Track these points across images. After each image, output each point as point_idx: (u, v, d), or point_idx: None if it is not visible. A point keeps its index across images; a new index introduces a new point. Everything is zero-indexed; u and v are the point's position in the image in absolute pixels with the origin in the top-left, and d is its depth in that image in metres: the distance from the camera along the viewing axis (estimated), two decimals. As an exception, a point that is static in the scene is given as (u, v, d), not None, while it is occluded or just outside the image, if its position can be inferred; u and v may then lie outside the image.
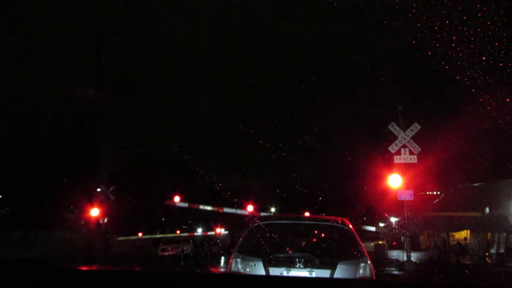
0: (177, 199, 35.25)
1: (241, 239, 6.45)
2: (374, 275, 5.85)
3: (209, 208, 35.61)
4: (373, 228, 31.71)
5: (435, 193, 45.05)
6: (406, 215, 21.07)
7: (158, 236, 37.44)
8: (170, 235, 34.42)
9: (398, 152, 20.26)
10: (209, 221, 63.92)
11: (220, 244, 43.74)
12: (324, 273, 5.58)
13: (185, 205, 33.27)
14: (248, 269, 5.73)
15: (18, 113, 41.10)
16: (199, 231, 62.88)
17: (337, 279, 5.24)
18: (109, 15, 61.50)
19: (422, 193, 38.13)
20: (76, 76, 67.88)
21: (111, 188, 31.98)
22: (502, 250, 31.12)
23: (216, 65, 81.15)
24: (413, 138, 20.20)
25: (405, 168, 20.27)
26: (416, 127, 20.31)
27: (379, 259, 28.42)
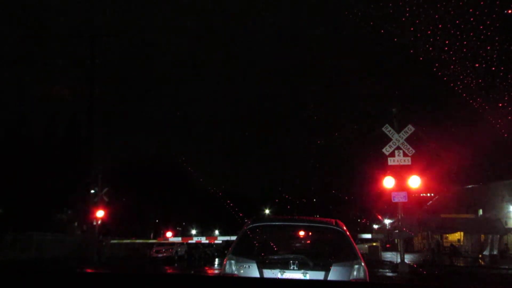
0: (169, 234, 36.53)
1: (235, 241, 6.45)
2: (368, 277, 5.87)
3: (203, 239, 36.31)
4: (369, 236, 31.84)
5: (428, 195, 45.28)
6: (400, 217, 21.16)
7: (151, 241, 37.26)
8: (163, 241, 34.21)
9: (392, 154, 20.35)
10: (205, 223, 63.79)
11: (215, 246, 43.59)
12: (318, 275, 5.59)
13: (178, 239, 33.72)
14: (242, 271, 5.73)
15: (13, 114, 40.88)
16: (193, 232, 62.75)
17: (331, 281, 5.25)
18: (106, 15, 61.35)
19: (416, 195, 38.31)
20: (71, 77, 67.62)
21: (105, 190, 31.87)
22: (495, 252, 31.27)
23: (215, 67, 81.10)
24: (407, 140, 20.30)
25: (399, 170, 20.36)
26: (410, 129, 20.40)
27: (373, 261, 28.47)
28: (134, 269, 24.11)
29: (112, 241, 36.07)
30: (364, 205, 35.51)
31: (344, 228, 6.32)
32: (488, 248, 32.39)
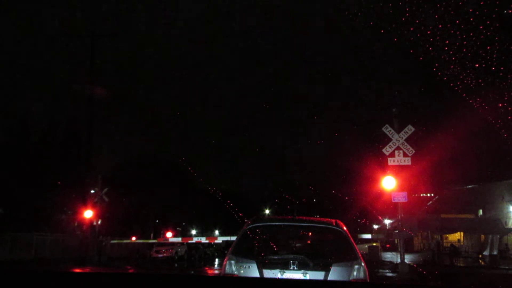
0: (169, 234, 36.62)
1: (235, 241, 6.44)
2: (368, 277, 5.87)
3: (203, 239, 36.38)
4: (369, 236, 31.86)
5: (428, 195, 45.31)
6: (400, 217, 21.15)
7: (151, 241, 37.27)
8: (163, 241, 34.22)
9: (392, 154, 20.35)
10: (205, 223, 63.76)
11: (215, 246, 43.62)
12: (318, 275, 5.59)
13: (178, 239, 33.81)
14: (242, 271, 5.73)
15: (12, 114, 40.87)
16: (193, 232, 62.73)
17: (331, 281, 5.25)
18: (107, 13, 61.40)
19: (416, 195, 38.34)
20: (70, 77, 67.65)
21: (105, 190, 31.83)
22: (495, 252, 31.28)
23: (215, 67, 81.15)
24: (407, 140, 20.30)
25: (399, 170, 20.36)
26: (410, 129, 20.40)
27: (373, 261, 28.47)
28: (134, 269, 24.10)
29: (112, 241, 36.04)
30: (364, 205, 35.50)
31: (344, 228, 6.32)
32: (488, 248, 32.39)
